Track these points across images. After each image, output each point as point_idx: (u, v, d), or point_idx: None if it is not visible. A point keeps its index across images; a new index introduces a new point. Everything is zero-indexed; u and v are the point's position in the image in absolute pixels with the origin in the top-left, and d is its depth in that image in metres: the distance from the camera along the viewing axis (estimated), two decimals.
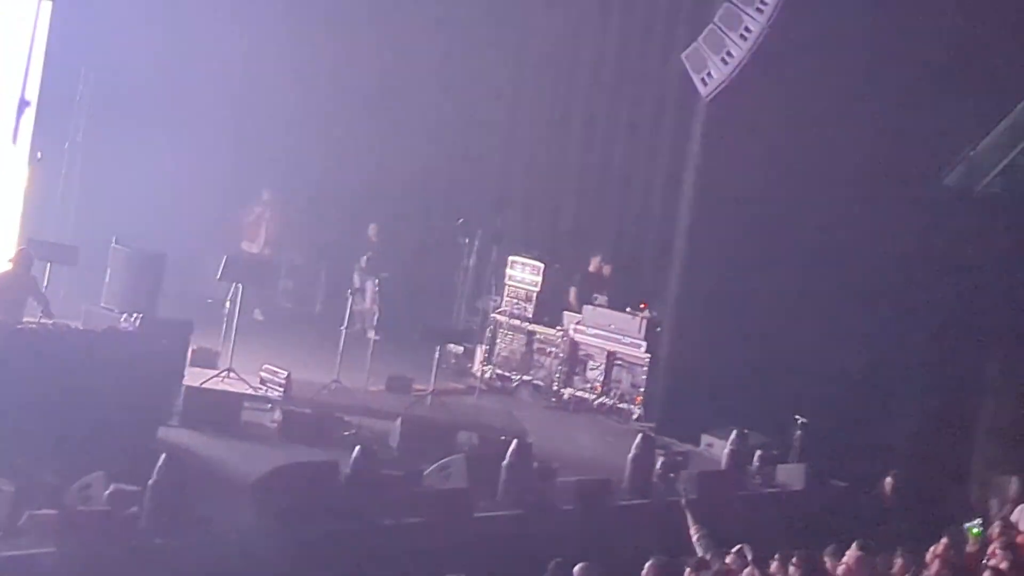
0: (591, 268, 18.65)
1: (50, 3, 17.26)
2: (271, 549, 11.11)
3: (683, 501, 12.04)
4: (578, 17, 19.82)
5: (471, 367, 18.53)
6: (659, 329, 17.47)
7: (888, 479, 14.59)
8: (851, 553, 10.78)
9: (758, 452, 15.34)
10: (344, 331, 16.12)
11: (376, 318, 18.07)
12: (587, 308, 17.95)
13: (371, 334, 17.50)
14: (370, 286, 19.52)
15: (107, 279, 15.60)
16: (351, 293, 16.90)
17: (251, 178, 20.27)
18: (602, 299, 18.10)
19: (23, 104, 17.25)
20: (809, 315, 16.49)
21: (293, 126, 20.02)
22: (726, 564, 10.46)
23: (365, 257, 19.76)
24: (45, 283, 15.19)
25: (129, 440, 12.18)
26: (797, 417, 15.79)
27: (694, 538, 11.13)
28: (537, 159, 20.34)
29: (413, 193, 20.41)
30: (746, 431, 15.33)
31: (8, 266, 14.36)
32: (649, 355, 17.39)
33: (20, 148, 17.40)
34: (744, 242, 16.78)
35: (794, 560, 10.25)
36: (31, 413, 11.72)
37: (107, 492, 10.59)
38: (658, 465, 14.34)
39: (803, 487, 15.16)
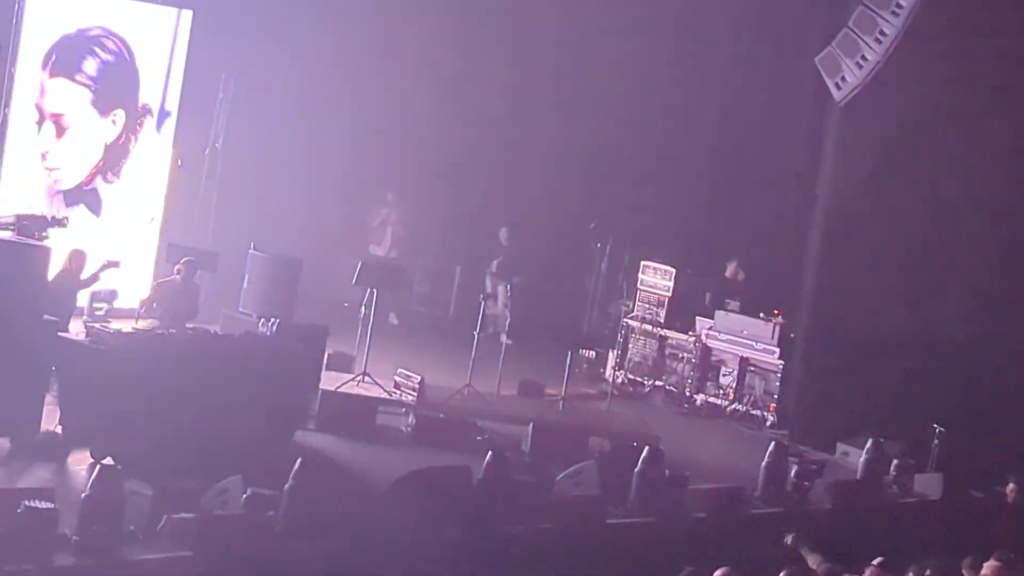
0: (727, 274, 18.57)
1: (190, 12, 17.57)
2: (405, 552, 11.19)
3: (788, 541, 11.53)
4: (710, 20, 19.71)
5: (603, 372, 18.52)
6: (793, 335, 17.33)
7: (1011, 485, 14.27)
8: (989, 565, 10.57)
9: (895, 461, 15.08)
10: (477, 335, 16.18)
11: (508, 323, 18.12)
12: (719, 314, 17.85)
13: (503, 338, 17.54)
14: (502, 290, 19.60)
15: (245, 284, 15.88)
16: (483, 298, 16.96)
17: (381, 181, 20.48)
18: (734, 304, 18.02)
19: (163, 114, 17.58)
20: (947, 321, 16.23)
21: (425, 129, 20.11)
22: None
23: (496, 261, 19.88)
24: None
25: (266, 444, 12.40)
26: (935, 426, 15.54)
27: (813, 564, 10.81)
28: (671, 163, 20.24)
29: (545, 197, 20.44)
30: (882, 440, 15.12)
31: (175, 276, 14.73)
32: (782, 362, 17.27)
33: (162, 154, 17.73)
34: (879, 248, 16.58)
35: (929, 571, 10.07)
36: (170, 417, 11.96)
37: (244, 496, 10.71)
38: (792, 473, 14.21)
39: (940, 497, 14.93)
